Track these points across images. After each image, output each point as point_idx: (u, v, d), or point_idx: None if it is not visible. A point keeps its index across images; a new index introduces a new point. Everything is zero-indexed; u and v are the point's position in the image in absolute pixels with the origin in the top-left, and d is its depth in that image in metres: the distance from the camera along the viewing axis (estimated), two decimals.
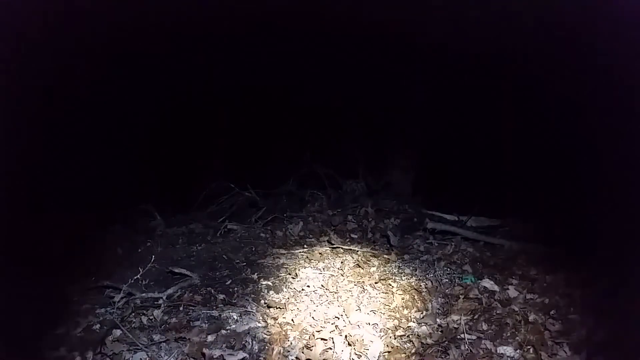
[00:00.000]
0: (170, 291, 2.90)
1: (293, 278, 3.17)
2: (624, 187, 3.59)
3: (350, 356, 2.33)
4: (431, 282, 3.04)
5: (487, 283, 2.94)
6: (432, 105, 5.03)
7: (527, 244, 3.58)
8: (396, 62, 5.16)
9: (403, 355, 2.34)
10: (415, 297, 2.89)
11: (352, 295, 2.91)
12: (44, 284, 2.87)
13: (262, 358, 2.32)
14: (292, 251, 3.61)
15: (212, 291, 2.96)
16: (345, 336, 2.45)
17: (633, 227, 3.46)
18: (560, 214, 3.95)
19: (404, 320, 2.66)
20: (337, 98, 6.02)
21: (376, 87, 5.84)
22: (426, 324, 2.61)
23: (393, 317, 2.69)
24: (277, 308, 2.76)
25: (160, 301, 2.78)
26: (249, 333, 2.50)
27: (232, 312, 2.70)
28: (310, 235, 3.92)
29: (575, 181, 3.41)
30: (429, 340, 2.46)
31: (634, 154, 3.73)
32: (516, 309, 2.65)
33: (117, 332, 2.45)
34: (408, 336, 2.50)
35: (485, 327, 2.54)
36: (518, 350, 2.32)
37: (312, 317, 2.65)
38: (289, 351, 2.36)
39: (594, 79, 4.18)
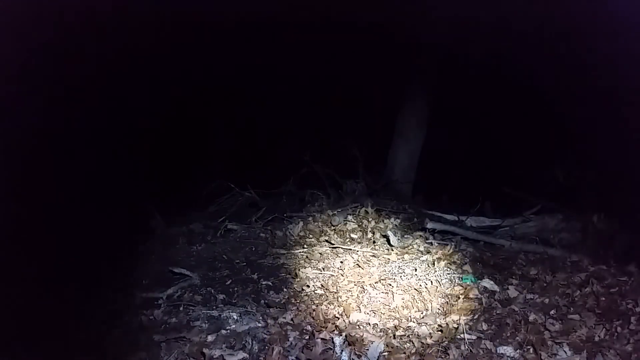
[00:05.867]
0: (170, 291, 2.90)
1: (293, 278, 3.17)
2: (623, 187, 3.60)
3: (350, 356, 2.33)
4: (431, 282, 3.04)
5: (487, 283, 2.95)
6: (432, 106, 5.03)
7: (527, 244, 3.59)
8: (396, 63, 5.16)
9: (403, 355, 2.34)
10: (415, 297, 2.89)
11: (352, 295, 2.91)
12: (43, 284, 2.88)
13: (262, 358, 2.32)
14: (292, 251, 3.61)
15: (212, 291, 2.96)
16: (346, 336, 2.45)
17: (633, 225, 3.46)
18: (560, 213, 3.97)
19: (404, 320, 2.66)
20: (337, 98, 6.03)
21: (375, 87, 5.85)
22: (426, 324, 2.61)
23: (393, 317, 2.69)
24: (277, 308, 2.76)
25: (160, 301, 2.79)
26: (249, 333, 2.50)
27: (232, 312, 2.70)
28: (310, 235, 3.92)
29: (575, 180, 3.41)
30: (429, 340, 2.46)
31: (633, 155, 3.73)
32: (516, 309, 2.65)
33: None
34: (408, 336, 2.50)
35: (485, 327, 2.54)
36: (518, 350, 2.32)
37: (312, 317, 2.65)
38: (289, 351, 2.36)
39: (595, 79, 4.18)
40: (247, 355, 2.32)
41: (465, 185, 4.93)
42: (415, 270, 3.19)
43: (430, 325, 2.59)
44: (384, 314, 2.72)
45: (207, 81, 5.38)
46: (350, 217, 4.10)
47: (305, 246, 3.70)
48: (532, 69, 4.98)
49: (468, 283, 2.97)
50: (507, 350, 2.34)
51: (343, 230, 3.94)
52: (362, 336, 2.45)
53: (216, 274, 3.24)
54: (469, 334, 2.46)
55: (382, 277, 3.12)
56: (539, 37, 4.34)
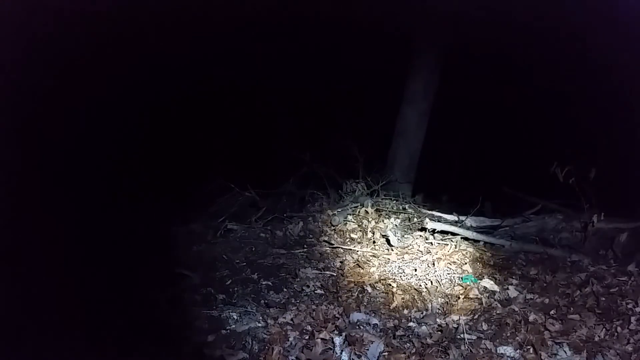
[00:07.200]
0: (170, 291, 2.90)
1: (293, 278, 3.17)
2: (624, 186, 3.60)
3: (350, 356, 2.33)
4: (431, 282, 3.04)
5: (487, 283, 2.95)
6: (432, 105, 5.03)
7: (527, 244, 3.59)
8: (396, 62, 5.16)
9: (403, 355, 2.34)
10: (415, 297, 2.89)
11: (352, 295, 2.91)
12: (44, 285, 2.88)
13: (262, 358, 2.32)
14: (292, 251, 3.61)
15: (212, 291, 2.96)
16: (345, 336, 2.45)
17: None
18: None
19: (404, 320, 2.66)
20: (337, 97, 6.03)
21: (376, 87, 5.85)
22: (426, 324, 2.61)
23: (393, 317, 2.69)
24: (277, 308, 2.76)
25: (161, 301, 2.78)
26: (249, 333, 2.50)
27: (232, 312, 2.70)
28: (310, 235, 3.92)
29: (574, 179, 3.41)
30: (429, 340, 2.46)
31: (633, 154, 3.73)
32: (516, 309, 2.65)
33: None
34: (408, 336, 2.50)
35: (485, 327, 2.54)
36: (518, 350, 2.32)
37: (312, 317, 2.65)
38: (289, 351, 2.36)
39: (595, 79, 4.17)
40: (247, 355, 2.32)
41: (465, 185, 4.94)
42: (415, 270, 3.19)
43: (430, 325, 2.59)
44: (384, 314, 2.72)
45: (208, 80, 5.38)
46: (350, 217, 4.10)
47: (305, 246, 3.70)
48: (532, 68, 4.99)
49: (468, 283, 2.97)
50: (507, 350, 2.34)
51: (343, 230, 3.93)
52: (362, 336, 2.45)
53: (216, 274, 3.24)
54: (469, 334, 2.46)
55: (382, 277, 3.12)
56: (540, 37, 4.34)
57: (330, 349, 2.38)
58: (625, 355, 2.22)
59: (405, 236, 3.76)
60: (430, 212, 4.28)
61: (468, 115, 5.86)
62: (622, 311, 2.51)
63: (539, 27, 4.10)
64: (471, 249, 3.49)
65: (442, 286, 2.99)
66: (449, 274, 3.13)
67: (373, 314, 2.70)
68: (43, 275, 2.80)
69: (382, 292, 2.95)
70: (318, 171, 4.80)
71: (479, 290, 2.89)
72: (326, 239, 3.79)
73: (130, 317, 2.63)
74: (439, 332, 2.52)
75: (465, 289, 2.91)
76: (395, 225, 3.96)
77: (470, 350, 2.33)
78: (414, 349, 2.38)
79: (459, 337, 2.44)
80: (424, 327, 2.57)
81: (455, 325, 2.56)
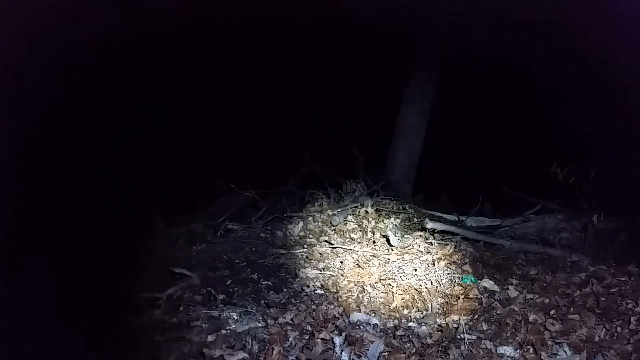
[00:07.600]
0: (170, 291, 2.90)
1: (293, 278, 3.17)
2: (624, 186, 3.60)
3: (350, 356, 2.33)
4: (431, 282, 3.04)
5: (487, 283, 2.95)
6: (432, 105, 5.03)
7: (527, 244, 3.60)
8: (396, 62, 5.17)
9: (403, 355, 2.34)
10: (415, 297, 2.89)
11: (352, 295, 2.91)
12: (43, 286, 2.87)
13: (262, 358, 2.32)
14: (292, 251, 3.61)
15: (212, 291, 2.96)
16: (345, 336, 2.45)
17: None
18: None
19: (404, 320, 2.66)
20: (337, 97, 6.03)
21: (376, 87, 5.85)
22: (426, 324, 2.61)
23: (393, 317, 2.69)
24: (277, 308, 2.76)
25: (160, 301, 2.78)
26: (249, 333, 2.50)
27: (232, 312, 2.70)
28: (310, 235, 3.91)
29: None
30: (429, 340, 2.46)
31: (633, 154, 3.73)
32: (516, 309, 2.65)
33: None
34: (408, 336, 2.50)
35: (485, 327, 2.54)
36: (518, 350, 2.32)
37: (312, 317, 2.65)
38: (289, 351, 2.36)
39: (595, 79, 4.17)
40: (247, 355, 2.32)
41: (465, 185, 4.94)
42: (415, 270, 3.19)
43: (430, 325, 2.59)
44: (384, 314, 2.72)
45: (208, 80, 5.38)
46: (350, 217, 4.10)
47: (305, 246, 3.70)
48: (532, 68, 4.99)
49: (468, 283, 2.97)
50: (507, 350, 2.34)
51: (343, 230, 3.93)
52: (362, 336, 2.45)
53: (216, 274, 3.24)
54: (469, 334, 2.46)
55: (382, 277, 3.12)
56: (539, 36, 4.34)
57: (330, 349, 2.38)
58: (625, 355, 2.22)
59: (405, 236, 3.76)
60: (430, 212, 4.28)
61: (468, 115, 5.86)
62: (622, 311, 2.51)
63: (539, 26, 4.10)
64: (471, 249, 3.49)
65: (442, 286, 2.99)
66: (449, 274, 3.13)
67: (373, 314, 2.70)
68: (43, 275, 2.80)
69: (382, 292, 2.95)
70: (318, 171, 4.80)
71: (479, 290, 2.89)
72: (326, 239, 3.79)
73: (130, 317, 2.64)
74: (439, 332, 2.52)
75: (465, 289, 2.91)
76: (395, 225, 3.96)
77: (470, 350, 2.33)
78: (414, 349, 2.38)
79: (459, 337, 2.44)
80: (424, 327, 2.57)
81: (455, 325, 2.56)
